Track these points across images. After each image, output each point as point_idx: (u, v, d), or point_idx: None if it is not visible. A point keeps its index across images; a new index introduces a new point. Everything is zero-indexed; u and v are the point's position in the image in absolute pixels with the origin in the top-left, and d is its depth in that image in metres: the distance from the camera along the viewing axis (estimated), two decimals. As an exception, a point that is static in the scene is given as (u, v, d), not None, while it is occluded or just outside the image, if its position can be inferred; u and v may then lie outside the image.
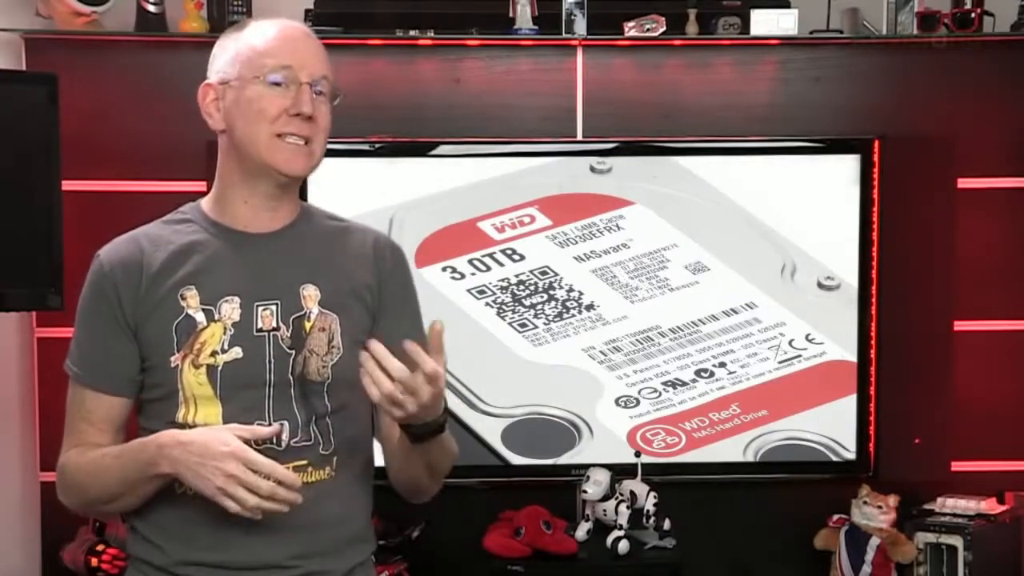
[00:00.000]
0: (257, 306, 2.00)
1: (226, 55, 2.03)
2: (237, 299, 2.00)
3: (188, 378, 1.98)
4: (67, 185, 3.30)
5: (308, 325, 2.01)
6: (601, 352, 3.73)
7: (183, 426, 1.98)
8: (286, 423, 1.98)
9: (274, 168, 2.00)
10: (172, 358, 1.98)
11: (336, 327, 2.03)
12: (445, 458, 2.04)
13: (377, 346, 1.84)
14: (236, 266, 2.02)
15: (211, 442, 1.87)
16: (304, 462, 1.99)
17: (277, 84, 1.98)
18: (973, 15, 3.72)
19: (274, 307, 2.01)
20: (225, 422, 1.97)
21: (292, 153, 1.99)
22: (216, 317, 1.99)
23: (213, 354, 1.98)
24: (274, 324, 2.00)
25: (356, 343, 2.03)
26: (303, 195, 2.14)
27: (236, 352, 1.98)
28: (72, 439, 2.04)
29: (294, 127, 1.98)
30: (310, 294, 2.03)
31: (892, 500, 3.65)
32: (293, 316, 2.01)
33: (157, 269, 2.01)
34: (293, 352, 2.00)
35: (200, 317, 1.99)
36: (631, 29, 3.68)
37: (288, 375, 2.00)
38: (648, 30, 3.66)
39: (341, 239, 2.10)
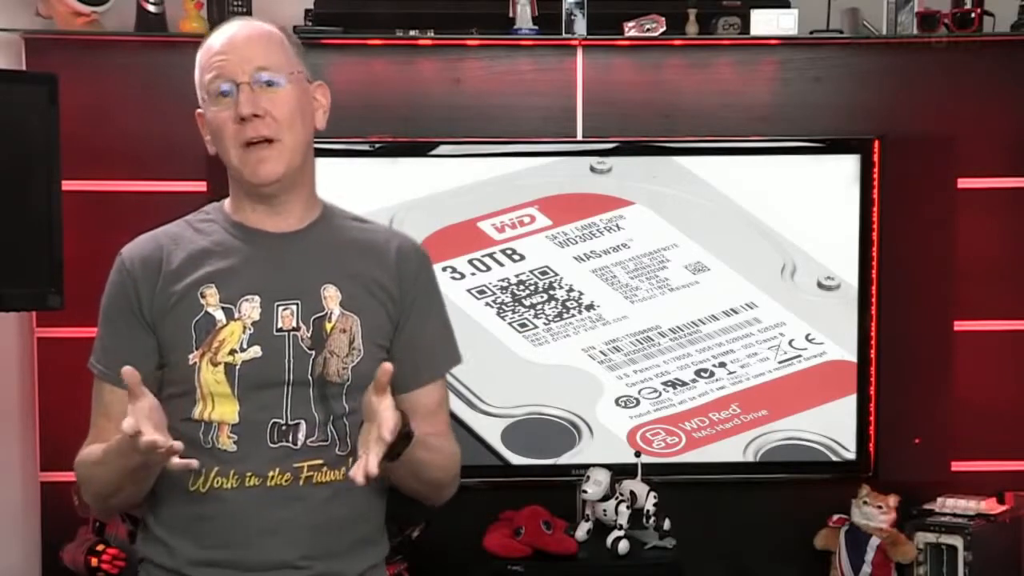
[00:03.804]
0: (277, 306, 2.00)
1: (195, 80, 2.05)
2: (257, 298, 2.00)
3: (206, 376, 1.98)
4: (67, 185, 3.30)
5: (329, 326, 2.01)
6: (601, 352, 3.73)
7: (199, 423, 1.99)
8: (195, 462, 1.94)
9: (246, 181, 2.01)
10: (190, 356, 1.99)
11: (357, 328, 2.02)
12: (432, 467, 2.03)
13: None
14: (257, 265, 2.03)
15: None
16: (320, 462, 2.00)
17: (224, 95, 1.99)
18: (973, 15, 3.72)
19: (295, 307, 2.01)
20: (242, 421, 1.98)
21: (256, 162, 1.99)
22: (236, 316, 1.99)
23: (231, 352, 1.98)
24: (294, 324, 2.00)
25: (375, 346, 2.04)
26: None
27: (255, 351, 1.99)
28: (91, 435, 2.05)
29: (249, 131, 1.98)
30: (331, 294, 2.02)
31: (892, 500, 3.65)
32: (314, 316, 2.01)
33: (177, 267, 2.02)
34: (313, 353, 2.00)
35: (220, 315, 1.99)
36: (631, 29, 3.68)
37: (307, 375, 2.00)
38: (648, 30, 3.66)
39: (363, 242, 2.10)
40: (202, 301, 2.00)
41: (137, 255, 2.05)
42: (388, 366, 1.87)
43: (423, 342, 2.10)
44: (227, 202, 2.10)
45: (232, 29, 2.04)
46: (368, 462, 1.83)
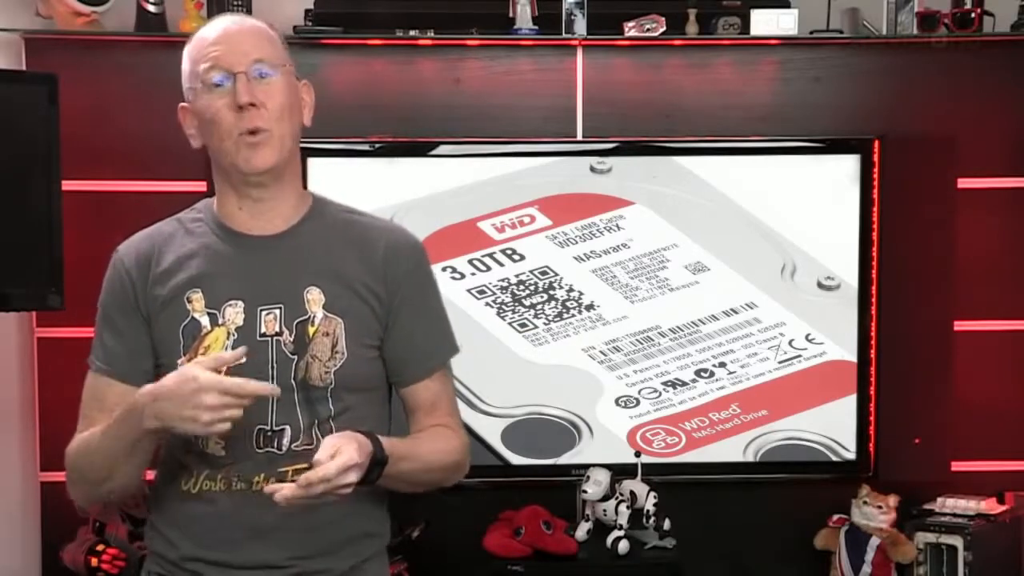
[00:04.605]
0: (260, 310, 2.01)
1: (183, 73, 2.06)
2: (241, 303, 2.01)
3: None
4: (67, 185, 3.30)
5: (312, 330, 2.01)
6: (601, 352, 3.73)
7: None
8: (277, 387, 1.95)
9: (237, 170, 2.01)
10: (179, 361, 1.99)
11: (340, 331, 2.02)
12: (421, 473, 2.04)
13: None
14: (241, 270, 2.03)
15: (180, 385, 1.85)
16: (306, 466, 1.96)
17: (218, 86, 1.99)
18: (973, 15, 3.72)
19: (277, 311, 2.01)
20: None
21: (249, 150, 1.99)
22: (220, 321, 2.00)
23: None
24: (277, 329, 2.01)
25: (362, 347, 2.04)
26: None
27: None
28: (82, 427, 2.05)
29: (245, 122, 1.98)
30: (314, 297, 2.02)
31: (892, 500, 3.65)
32: (297, 320, 2.01)
33: (166, 268, 2.04)
34: (295, 357, 2.00)
35: (205, 321, 2.00)
36: (631, 29, 3.68)
37: (290, 380, 2.00)
38: (648, 30, 3.66)
39: (351, 238, 2.09)
40: (188, 306, 2.01)
41: (132, 252, 2.07)
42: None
43: (416, 339, 2.09)
44: (215, 200, 2.10)
45: (224, 22, 2.05)
46: (286, 489, 1.83)
